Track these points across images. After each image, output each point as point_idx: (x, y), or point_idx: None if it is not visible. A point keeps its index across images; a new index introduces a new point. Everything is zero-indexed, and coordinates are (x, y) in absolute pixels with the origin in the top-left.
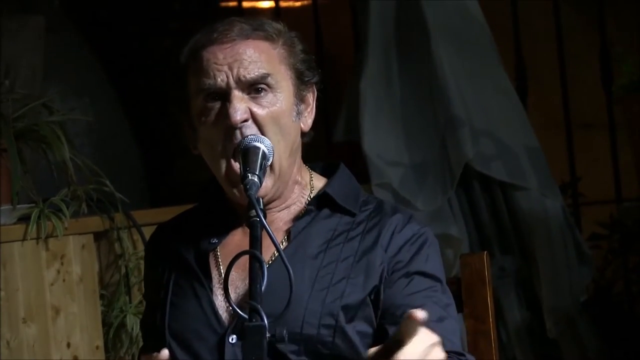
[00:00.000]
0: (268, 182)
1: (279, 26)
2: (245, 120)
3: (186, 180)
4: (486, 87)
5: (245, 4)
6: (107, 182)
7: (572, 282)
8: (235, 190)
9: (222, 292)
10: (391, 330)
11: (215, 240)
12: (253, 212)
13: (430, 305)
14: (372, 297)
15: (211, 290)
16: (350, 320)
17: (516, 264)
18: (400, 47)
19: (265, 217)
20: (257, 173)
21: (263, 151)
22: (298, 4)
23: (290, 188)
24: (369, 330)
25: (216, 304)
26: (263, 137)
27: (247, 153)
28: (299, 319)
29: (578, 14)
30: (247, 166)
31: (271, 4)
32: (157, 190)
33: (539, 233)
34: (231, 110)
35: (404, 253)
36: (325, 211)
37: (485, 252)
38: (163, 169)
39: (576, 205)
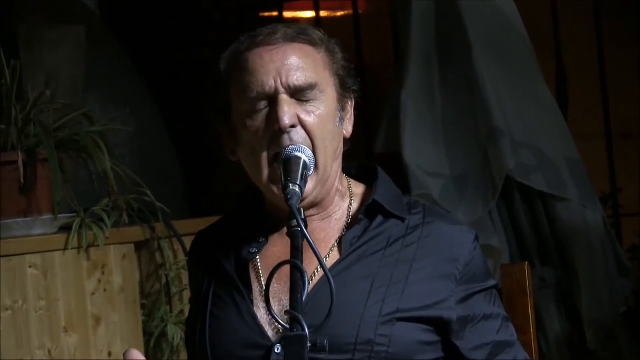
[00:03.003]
0: (310, 184)
1: (320, 34)
2: (294, 126)
3: (226, 191)
4: (526, 98)
5: (286, 14)
6: (148, 192)
7: (612, 294)
8: (275, 189)
9: (264, 304)
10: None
11: (254, 250)
12: (294, 222)
13: (504, 327)
14: (435, 310)
15: (252, 301)
16: (406, 331)
17: (556, 275)
18: (441, 58)
19: (306, 227)
20: (298, 183)
21: (304, 161)
22: (339, 14)
23: (331, 196)
24: (428, 339)
25: (258, 316)
26: (304, 147)
27: (288, 163)
28: (354, 330)
29: (618, 24)
30: (288, 176)
31: (312, 14)
32: (197, 200)
33: (579, 244)
34: (280, 114)
35: (469, 270)
36: (379, 219)
37: (527, 263)
38: (203, 179)
39: (616, 217)
